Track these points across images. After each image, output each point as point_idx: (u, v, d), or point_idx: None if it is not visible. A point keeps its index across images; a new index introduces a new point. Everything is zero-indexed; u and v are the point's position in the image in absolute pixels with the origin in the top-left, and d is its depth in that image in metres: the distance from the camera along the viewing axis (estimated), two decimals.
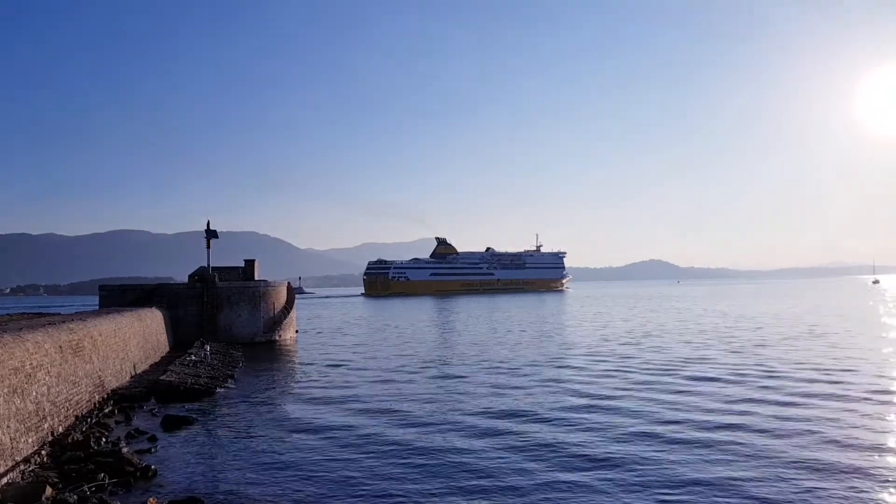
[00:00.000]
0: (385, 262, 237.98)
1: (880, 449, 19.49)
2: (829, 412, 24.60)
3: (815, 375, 33.39)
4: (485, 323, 79.37)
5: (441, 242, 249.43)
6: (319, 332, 68.65)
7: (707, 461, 18.50)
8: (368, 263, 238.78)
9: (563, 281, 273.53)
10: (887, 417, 23.62)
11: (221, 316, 53.23)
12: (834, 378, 32.38)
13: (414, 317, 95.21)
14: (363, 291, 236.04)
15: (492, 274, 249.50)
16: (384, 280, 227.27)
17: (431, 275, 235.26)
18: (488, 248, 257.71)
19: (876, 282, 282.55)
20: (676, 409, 25.61)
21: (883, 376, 32.80)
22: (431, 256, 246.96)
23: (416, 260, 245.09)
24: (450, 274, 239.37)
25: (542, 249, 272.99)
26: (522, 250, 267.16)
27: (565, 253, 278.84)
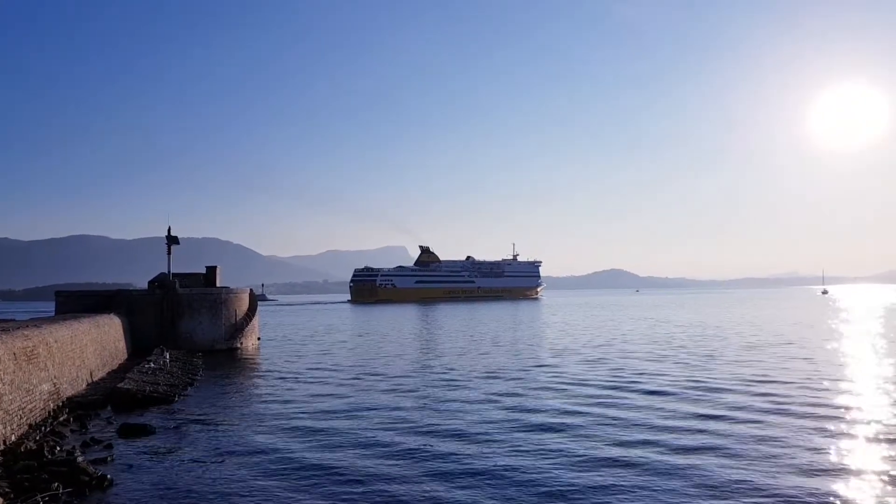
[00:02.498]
0: (372, 269, 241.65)
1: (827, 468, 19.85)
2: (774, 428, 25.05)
3: (758, 389, 33.99)
4: (463, 328, 79.76)
5: (424, 251, 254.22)
6: (286, 340, 68.12)
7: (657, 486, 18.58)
8: (355, 271, 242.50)
9: (538, 289, 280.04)
10: (829, 432, 24.03)
11: (182, 323, 52.50)
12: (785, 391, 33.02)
13: (396, 324, 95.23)
14: (349, 298, 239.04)
15: (472, 282, 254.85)
16: (371, 287, 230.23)
17: (417, 282, 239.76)
18: (468, 257, 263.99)
19: (825, 292, 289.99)
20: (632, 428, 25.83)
21: (828, 389, 33.52)
22: (415, 264, 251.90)
23: (401, 268, 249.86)
24: (434, 282, 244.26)
25: (519, 258, 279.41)
26: (500, 259, 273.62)
27: (541, 262, 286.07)
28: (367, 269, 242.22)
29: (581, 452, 20.80)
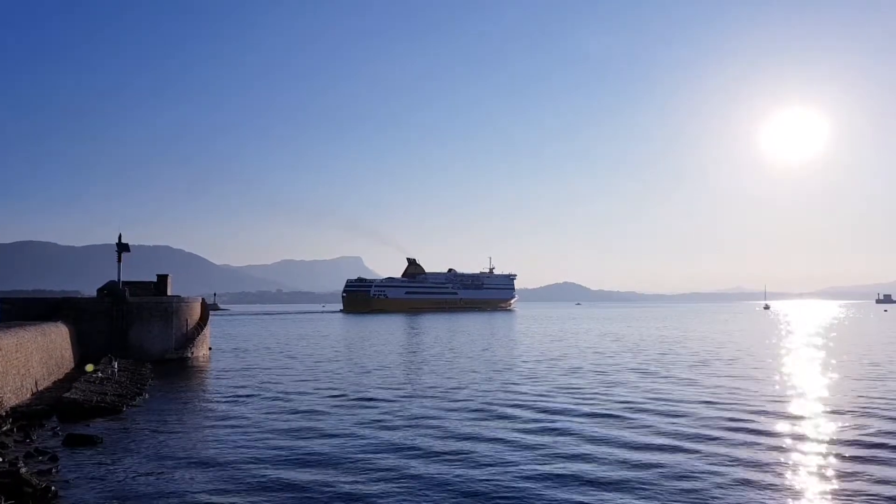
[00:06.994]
0: (365, 280, 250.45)
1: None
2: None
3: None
4: (445, 335, 79.95)
5: (411, 263, 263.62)
6: (237, 350, 67.42)
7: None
8: (347, 281, 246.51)
9: (512, 301, 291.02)
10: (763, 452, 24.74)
11: (132, 332, 51.59)
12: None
13: (390, 335, 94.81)
14: (341, 308, 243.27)
15: (455, 293, 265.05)
16: (365, 297, 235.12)
17: (406, 293, 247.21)
18: (450, 269, 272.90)
19: (766, 307, 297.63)
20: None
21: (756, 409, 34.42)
22: (403, 276, 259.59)
23: (391, 279, 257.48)
24: (421, 293, 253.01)
25: (495, 271, 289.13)
26: (479, 271, 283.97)
27: (516, 275, 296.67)
28: (360, 279, 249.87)
29: (542, 467, 21.15)
